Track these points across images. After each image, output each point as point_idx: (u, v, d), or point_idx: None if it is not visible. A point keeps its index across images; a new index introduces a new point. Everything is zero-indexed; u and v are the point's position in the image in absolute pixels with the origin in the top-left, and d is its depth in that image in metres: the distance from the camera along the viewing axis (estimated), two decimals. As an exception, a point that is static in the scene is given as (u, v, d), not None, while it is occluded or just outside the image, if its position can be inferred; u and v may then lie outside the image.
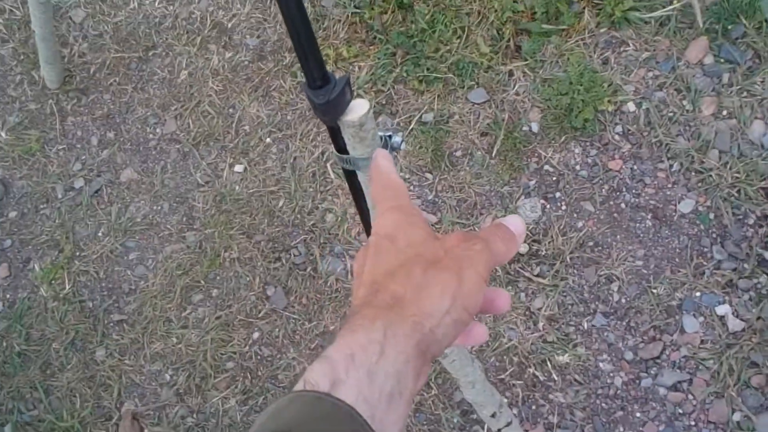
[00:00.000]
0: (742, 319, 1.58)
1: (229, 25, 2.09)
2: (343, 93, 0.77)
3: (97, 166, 2.01)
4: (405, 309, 0.43)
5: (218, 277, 1.84)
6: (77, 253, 1.93)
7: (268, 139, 1.95)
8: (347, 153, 0.86)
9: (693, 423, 1.52)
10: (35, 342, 1.87)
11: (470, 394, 1.23)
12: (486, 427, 1.59)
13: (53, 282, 1.91)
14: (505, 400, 1.51)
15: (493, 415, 1.26)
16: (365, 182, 0.92)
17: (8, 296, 1.93)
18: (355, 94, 0.86)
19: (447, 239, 0.47)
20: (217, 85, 2.02)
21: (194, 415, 1.73)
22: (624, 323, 1.64)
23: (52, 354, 1.85)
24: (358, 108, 0.79)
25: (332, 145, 0.87)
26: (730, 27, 1.83)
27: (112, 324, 1.85)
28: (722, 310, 1.60)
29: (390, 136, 0.88)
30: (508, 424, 1.26)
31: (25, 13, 2.24)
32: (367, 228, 1.02)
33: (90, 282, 1.90)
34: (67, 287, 1.90)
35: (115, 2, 2.18)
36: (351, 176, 0.94)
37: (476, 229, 1.78)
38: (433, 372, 1.65)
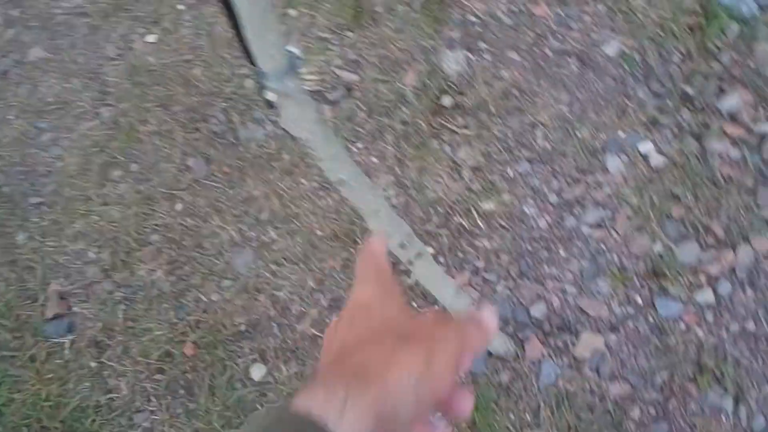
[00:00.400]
0: (664, 155, 1.55)
1: None
2: None
3: (3, 47, 1.88)
4: (370, 379, 0.41)
5: (136, 152, 1.75)
6: (-12, 138, 1.83)
7: (180, 6, 1.83)
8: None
9: (616, 257, 1.51)
10: (-47, 231, 1.79)
11: (375, 224, 1.19)
12: (414, 275, 1.57)
13: (-34, 169, 1.81)
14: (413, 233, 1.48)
15: (402, 246, 1.23)
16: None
17: None
18: None
19: (422, 319, 0.47)
20: (123, -48, 1.88)
21: (122, 289, 1.68)
22: (548, 168, 1.60)
23: (-29, 241, 1.77)
24: None
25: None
26: None
27: (30, 207, 1.77)
28: (645, 147, 1.56)
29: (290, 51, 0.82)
30: (419, 255, 1.22)
31: None
32: (243, 46, 0.94)
33: (4, 167, 1.81)
34: (-19, 173, 1.80)
35: None
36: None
37: (399, 86, 1.70)
38: (358, 228, 1.61)
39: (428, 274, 1.29)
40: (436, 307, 1.38)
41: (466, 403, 0.47)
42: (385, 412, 0.40)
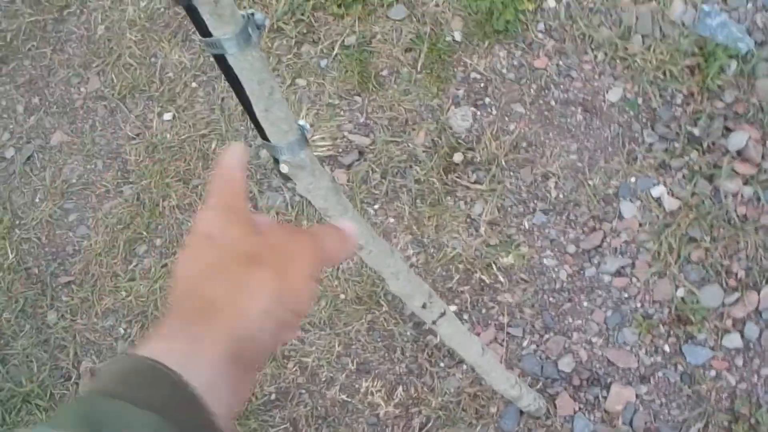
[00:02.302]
0: (677, 198, 1.49)
1: (140, -27, 1.92)
2: None
3: (26, 133, 1.87)
4: (217, 313, 0.36)
5: (160, 227, 1.72)
6: (17, 222, 1.80)
7: (193, 84, 1.81)
8: (210, 36, 0.76)
9: (639, 305, 1.44)
10: (-14, 315, 1.75)
11: (396, 287, 1.14)
12: (439, 335, 1.51)
13: (-3, 253, 1.78)
14: (436, 294, 1.43)
15: (423, 306, 1.17)
16: (237, 66, 0.81)
17: (-46, 273, 1.80)
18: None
19: (270, 234, 0.41)
20: (136, 36, 1.87)
21: (152, 364, 1.64)
22: (564, 218, 1.54)
23: (4, 323, 1.73)
24: None
25: (197, 31, 0.76)
26: None
27: (60, 287, 1.74)
28: (657, 191, 1.51)
29: (252, 14, 0.78)
30: (442, 314, 1.16)
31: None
32: (254, 121, 0.92)
33: (33, 248, 1.78)
34: (11, 256, 1.77)
35: (21, -36, 2.00)
36: (223, 63, 0.84)
37: (410, 146, 1.66)
38: (381, 290, 1.55)
39: (453, 333, 1.24)
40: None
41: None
42: (239, 346, 0.36)
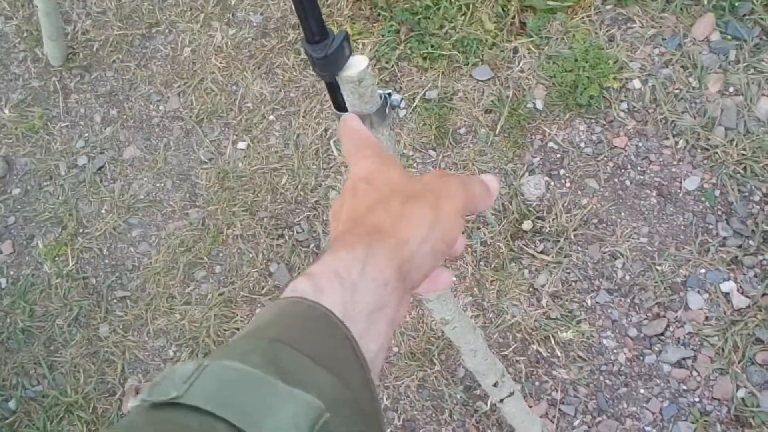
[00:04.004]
0: (746, 296, 1.54)
1: (233, 2, 2.04)
2: (341, 48, 0.75)
3: (101, 144, 1.98)
4: (384, 235, 0.43)
5: (221, 254, 1.81)
6: (80, 230, 1.90)
7: (271, 117, 1.91)
8: (346, 111, 0.84)
9: (697, 399, 1.49)
10: (39, 318, 1.84)
11: (472, 363, 1.20)
12: (489, 401, 1.56)
13: (57, 259, 1.88)
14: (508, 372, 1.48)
15: (495, 384, 1.23)
16: None
17: (12, 273, 1.90)
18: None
19: (424, 176, 0.48)
20: (221, 62, 1.98)
21: (197, 391, 1.70)
22: (628, 300, 1.60)
23: (56, 330, 1.82)
24: (357, 63, 0.77)
25: (331, 105, 0.84)
26: (737, 4, 1.78)
27: (115, 300, 1.82)
28: (727, 286, 1.56)
29: (389, 94, 0.85)
30: (510, 394, 1.22)
31: (28, -10, 2.19)
32: None
33: (93, 259, 1.87)
34: (71, 264, 1.87)
35: (117, -21, 2.13)
36: None
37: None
38: (436, 348, 1.62)
39: (516, 411, 1.29)
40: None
41: (446, 277, 0.49)
42: (404, 264, 0.42)
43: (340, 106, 0.86)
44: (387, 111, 0.86)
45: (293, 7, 0.71)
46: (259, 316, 0.39)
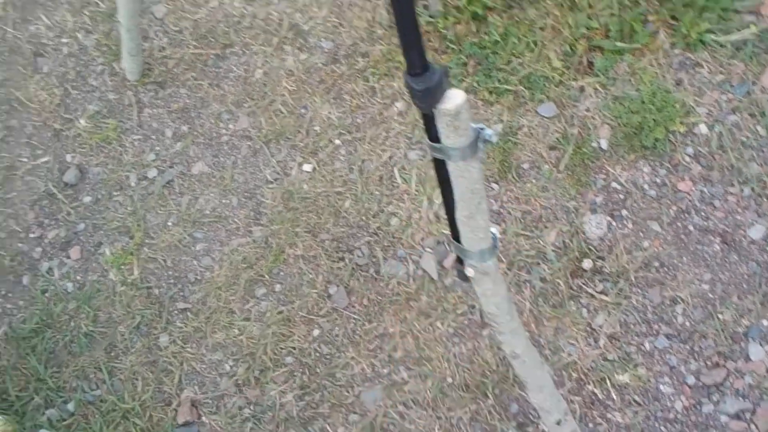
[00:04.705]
0: (811, 351, 1.55)
1: (306, 28, 2.13)
2: (441, 82, 0.80)
3: (170, 158, 2.07)
4: None
5: (282, 273, 1.88)
6: (147, 241, 1.99)
7: (337, 141, 1.98)
8: (439, 142, 0.88)
9: (755, 452, 1.50)
10: (102, 324, 1.93)
11: (537, 399, 1.24)
12: (541, 439, 1.59)
13: (122, 267, 1.97)
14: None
15: (558, 423, 1.27)
16: (455, 172, 0.93)
17: (79, 278, 2.00)
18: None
19: None
20: (291, 86, 2.07)
21: (251, 407, 1.77)
22: (687, 346, 1.62)
23: (118, 337, 1.91)
24: (455, 97, 0.82)
25: (425, 134, 0.89)
26: (811, 54, 1.81)
27: (176, 312, 1.90)
28: (790, 340, 1.57)
29: (482, 128, 0.90)
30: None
31: (109, 6, 2.32)
32: (451, 220, 1.04)
33: (157, 269, 1.96)
34: (136, 273, 1.96)
35: (196, 0, 2.24)
36: (440, 166, 0.96)
37: (540, 242, 1.78)
38: (490, 381, 1.66)
39: (572, 453, 1.33)
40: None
41: None
42: None
43: (434, 138, 0.92)
44: (479, 144, 0.91)
45: (398, 40, 0.77)
46: None
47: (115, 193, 2.07)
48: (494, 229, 1.06)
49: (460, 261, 1.09)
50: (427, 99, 0.82)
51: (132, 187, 2.07)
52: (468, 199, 0.96)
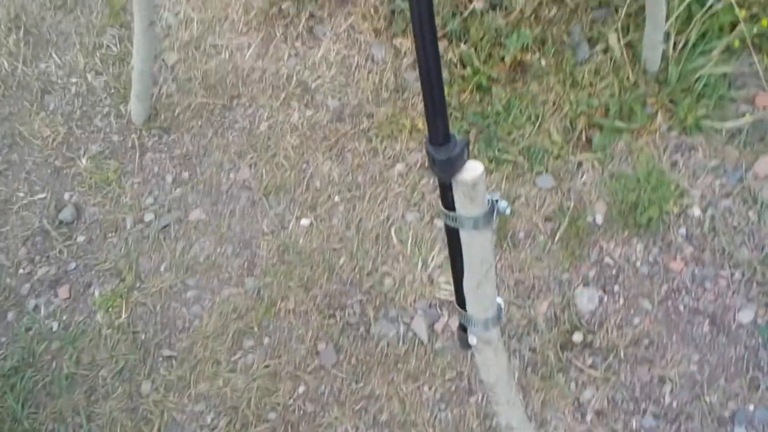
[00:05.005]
0: (796, 440, 1.61)
1: (313, 85, 2.25)
2: (462, 153, 0.86)
3: (169, 203, 2.15)
4: None
5: (272, 326, 1.93)
6: (137, 285, 2.04)
7: (336, 198, 2.06)
8: (454, 210, 0.94)
9: None
10: (84, 366, 1.96)
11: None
12: None
13: (110, 309, 2.01)
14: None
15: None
16: (467, 241, 0.99)
17: (65, 318, 2.03)
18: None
19: None
20: (294, 140, 2.16)
21: (230, 461, 1.79)
22: (674, 427, 1.67)
23: (99, 381, 1.93)
24: (473, 169, 0.88)
25: (440, 202, 0.95)
26: (801, 146, 1.93)
27: (161, 359, 1.94)
28: (776, 427, 1.63)
29: (497, 201, 0.96)
30: None
31: (121, 50, 2.44)
32: (458, 287, 1.09)
33: (146, 314, 2.00)
34: (123, 316, 2.00)
35: (207, 51, 2.37)
36: (452, 234, 1.02)
37: (532, 312, 1.85)
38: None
39: None
40: None
41: None
42: None
43: (449, 206, 0.98)
44: (494, 216, 0.97)
45: (423, 110, 0.83)
46: None
47: (110, 235, 2.13)
48: (499, 300, 1.12)
49: (463, 329, 1.14)
50: (447, 169, 0.87)
51: (127, 229, 2.13)
52: (477, 268, 1.02)
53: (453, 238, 1.02)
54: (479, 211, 0.96)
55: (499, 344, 1.11)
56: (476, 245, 1.02)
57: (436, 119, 0.87)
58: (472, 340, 1.10)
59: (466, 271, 1.04)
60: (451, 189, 0.93)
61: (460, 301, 1.11)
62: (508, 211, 0.97)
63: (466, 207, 0.96)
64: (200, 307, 1.99)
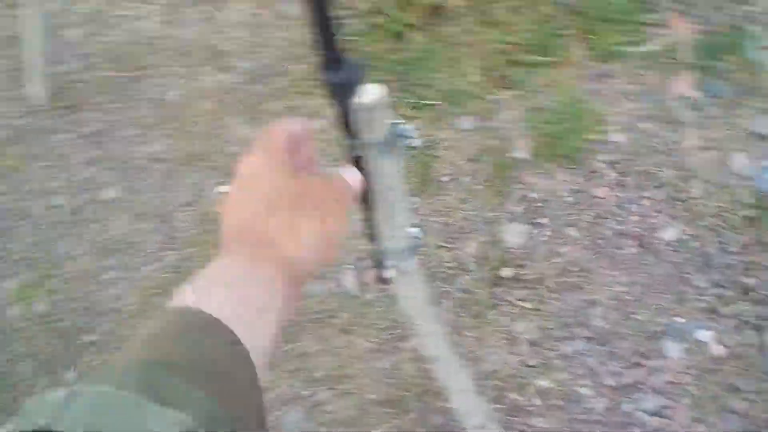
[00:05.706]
0: (724, 345, 1.75)
1: (224, 48, 2.33)
2: (358, 75, 0.93)
3: (81, 184, 2.21)
4: (273, 244, 0.53)
5: (197, 297, 2.00)
6: (53, 272, 2.10)
7: (254, 161, 2.15)
8: (355, 138, 1.02)
9: (675, 449, 1.66)
10: (2, 365, 2.01)
11: (459, 403, 1.38)
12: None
13: (26, 301, 2.07)
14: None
15: (481, 427, 1.41)
16: (373, 170, 1.07)
17: (-21, 313, 2.09)
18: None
19: (309, 181, 0.58)
20: (208, 106, 2.24)
21: (165, 437, 1.86)
22: (606, 349, 1.80)
23: (20, 377, 1.99)
24: (372, 91, 0.95)
25: (341, 133, 1.03)
26: (714, 63, 2.08)
27: (84, 344, 2.00)
28: (705, 335, 1.76)
29: (400, 123, 1.04)
30: (496, 437, 1.41)
31: (15, 29, 2.49)
32: (370, 222, 1.18)
33: (64, 301, 2.06)
34: (42, 306, 2.06)
35: (109, 22, 2.43)
36: (358, 165, 1.10)
37: (461, 253, 1.96)
38: (412, 395, 1.80)
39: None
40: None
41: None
42: (293, 267, 0.52)
43: (350, 134, 1.06)
44: (397, 139, 1.05)
45: (311, 32, 0.90)
46: (141, 330, 0.45)
47: (20, 223, 2.19)
48: (416, 230, 1.21)
49: (380, 266, 1.23)
50: (343, 93, 0.94)
51: (38, 215, 2.19)
52: (387, 197, 1.10)
53: (359, 170, 1.08)
54: (381, 135, 1.01)
55: (416, 274, 1.18)
56: (383, 173, 1.07)
57: (325, 40, 0.91)
58: (389, 273, 1.17)
59: (377, 203, 1.09)
60: (350, 116, 0.98)
61: (371, 236, 1.17)
62: (414, 136, 1.03)
63: (368, 132, 1.01)
64: (120, 287, 2.06)
